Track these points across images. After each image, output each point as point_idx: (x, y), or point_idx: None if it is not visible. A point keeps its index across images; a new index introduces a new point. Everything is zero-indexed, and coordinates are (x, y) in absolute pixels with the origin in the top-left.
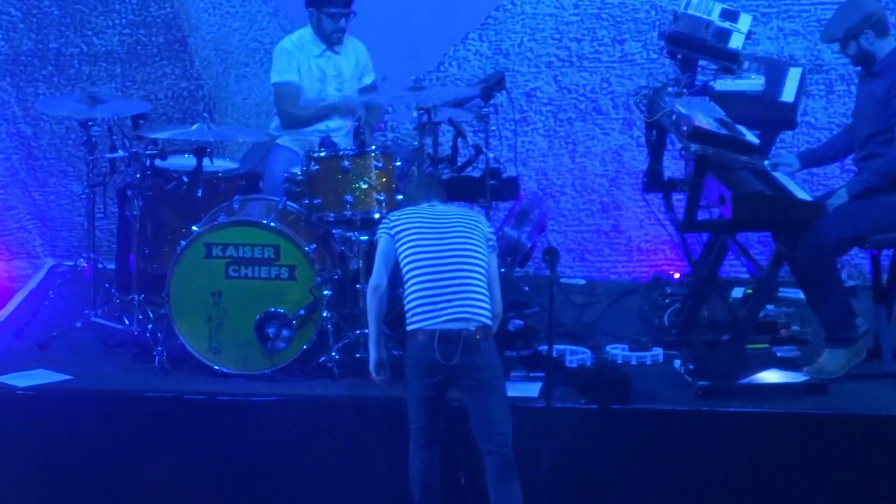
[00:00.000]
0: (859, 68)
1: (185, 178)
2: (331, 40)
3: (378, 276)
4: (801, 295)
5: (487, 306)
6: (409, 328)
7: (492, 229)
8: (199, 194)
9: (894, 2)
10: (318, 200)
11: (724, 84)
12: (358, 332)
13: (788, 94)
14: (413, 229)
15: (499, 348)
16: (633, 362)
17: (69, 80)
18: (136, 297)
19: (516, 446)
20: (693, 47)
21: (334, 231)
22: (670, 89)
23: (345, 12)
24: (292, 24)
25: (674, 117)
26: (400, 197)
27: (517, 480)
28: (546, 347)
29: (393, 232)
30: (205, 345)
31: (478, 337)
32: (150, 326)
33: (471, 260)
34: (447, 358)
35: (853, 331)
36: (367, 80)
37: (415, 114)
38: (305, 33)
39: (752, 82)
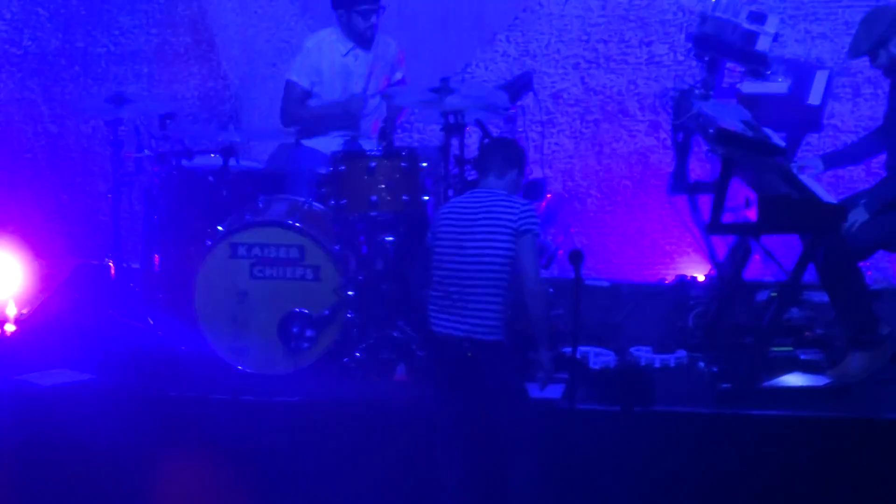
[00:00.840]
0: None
1: (212, 178)
2: (364, 37)
3: None
4: (826, 298)
5: (487, 321)
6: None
7: (525, 212)
8: (225, 194)
9: None
10: (344, 201)
11: (750, 86)
12: (382, 333)
13: (815, 97)
14: (441, 233)
15: (520, 351)
16: (657, 364)
17: (96, 80)
18: (161, 297)
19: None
20: (720, 49)
21: (360, 232)
22: (697, 91)
23: (374, 7)
24: (319, 25)
25: (700, 119)
26: (426, 198)
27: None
28: (570, 349)
29: (432, 238)
30: (229, 345)
31: (469, 353)
32: (174, 326)
33: (480, 268)
34: (443, 363)
35: (877, 334)
36: (398, 75)
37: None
38: (332, 32)
39: (779, 85)
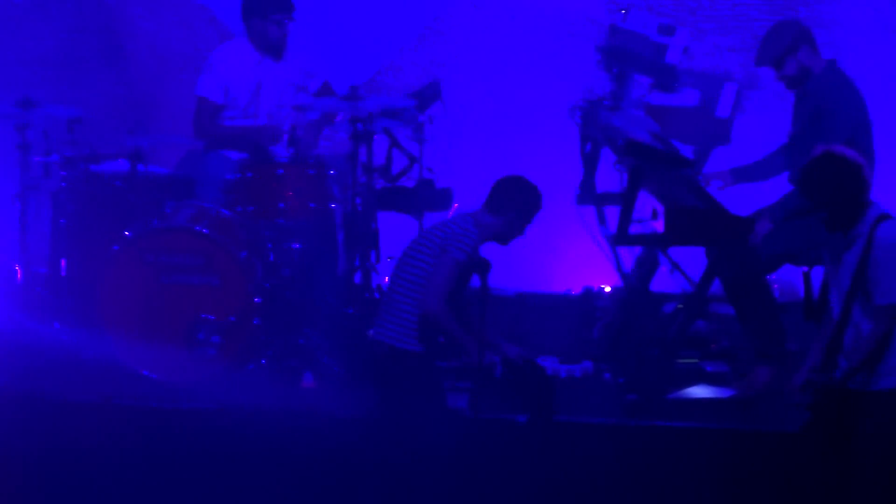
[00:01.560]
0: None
1: (119, 183)
2: (275, 47)
3: None
4: (732, 310)
5: (400, 328)
6: None
7: (456, 234)
8: (133, 199)
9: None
10: (252, 207)
11: (659, 98)
12: (288, 340)
13: (723, 110)
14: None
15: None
16: (563, 375)
17: (3, 84)
18: (67, 302)
19: (447, 458)
20: (629, 61)
21: (267, 238)
22: (606, 103)
23: (289, 16)
24: (230, 30)
25: (609, 130)
26: (333, 206)
27: None
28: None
29: None
30: (135, 350)
31: (381, 356)
32: (80, 331)
33: (402, 279)
34: (370, 368)
35: (783, 348)
36: (317, 83)
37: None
38: (242, 42)
39: (688, 97)
